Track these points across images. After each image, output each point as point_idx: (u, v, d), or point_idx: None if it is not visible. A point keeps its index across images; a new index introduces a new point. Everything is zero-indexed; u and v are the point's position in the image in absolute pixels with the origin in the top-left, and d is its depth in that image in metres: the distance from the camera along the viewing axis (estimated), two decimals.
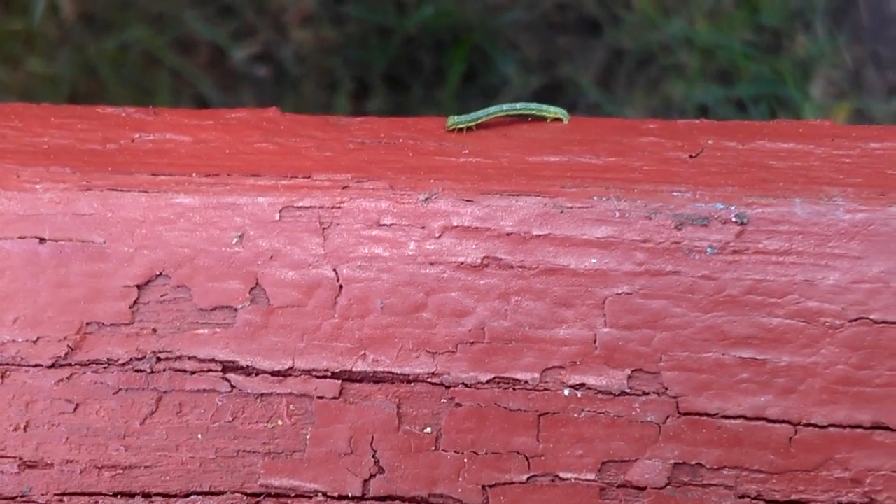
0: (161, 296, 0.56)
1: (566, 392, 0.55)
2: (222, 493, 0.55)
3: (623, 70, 1.86)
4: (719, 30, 1.87)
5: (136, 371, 0.55)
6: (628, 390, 0.54)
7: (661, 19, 1.87)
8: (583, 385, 0.55)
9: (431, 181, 0.57)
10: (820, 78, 1.87)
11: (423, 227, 0.56)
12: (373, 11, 1.84)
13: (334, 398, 0.55)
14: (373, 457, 0.55)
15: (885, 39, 1.89)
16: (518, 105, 0.64)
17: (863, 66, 1.89)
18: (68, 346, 0.55)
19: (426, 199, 0.56)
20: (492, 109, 0.64)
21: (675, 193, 0.56)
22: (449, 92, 1.82)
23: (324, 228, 0.56)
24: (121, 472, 0.55)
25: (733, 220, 0.54)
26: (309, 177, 0.57)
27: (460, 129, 0.63)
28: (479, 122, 0.63)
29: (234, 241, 0.56)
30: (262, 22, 1.85)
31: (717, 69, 1.87)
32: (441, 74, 1.84)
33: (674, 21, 1.87)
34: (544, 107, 0.65)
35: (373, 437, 0.55)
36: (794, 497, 0.54)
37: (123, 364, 0.55)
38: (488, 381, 0.55)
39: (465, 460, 0.55)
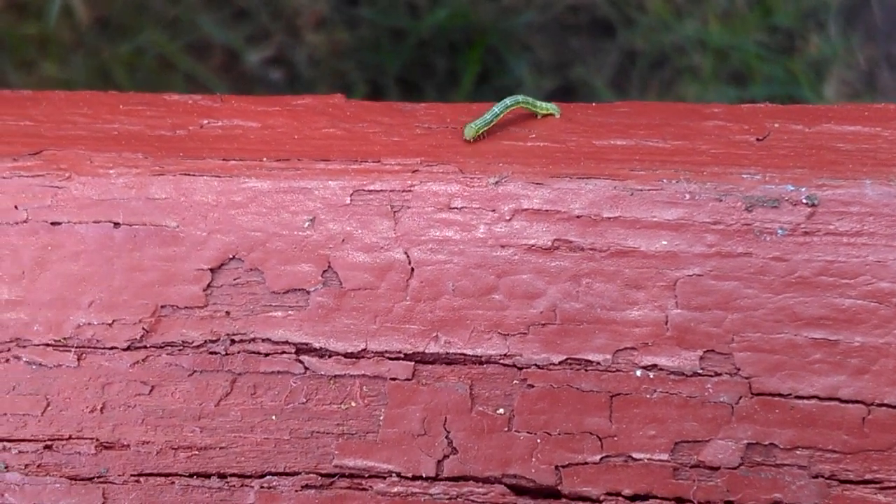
0: (234, 279, 0.56)
1: (638, 373, 0.55)
2: (297, 473, 0.56)
3: (636, 71, 1.86)
4: (732, 31, 1.87)
5: (211, 353, 0.56)
6: (700, 371, 0.55)
7: (674, 21, 1.87)
8: (655, 366, 0.55)
9: (500, 165, 0.58)
10: (833, 78, 1.87)
11: (493, 211, 0.56)
12: (386, 14, 1.84)
13: (407, 380, 0.56)
14: (446, 437, 0.55)
15: None
16: (519, 98, 0.63)
17: (876, 66, 1.89)
18: (143, 328, 0.56)
19: (496, 183, 0.57)
20: (498, 109, 0.62)
21: (745, 176, 0.56)
22: (462, 94, 1.82)
23: (395, 212, 0.56)
24: (196, 452, 0.56)
25: (804, 201, 0.55)
26: (378, 161, 0.58)
27: (481, 136, 0.61)
28: (492, 125, 0.61)
29: (306, 224, 0.56)
30: (275, 25, 1.86)
31: (731, 70, 1.87)
32: (454, 77, 1.84)
33: (687, 22, 1.87)
34: (539, 102, 0.64)
35: (446, 419, 0.55)
36: (867, 477, 0.54)
37: (198, 346, 0.56)
38: (560, 363, 0.55)
39: (538, 441, 0.55)
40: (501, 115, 0.62)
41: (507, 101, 0.62)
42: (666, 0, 1.88)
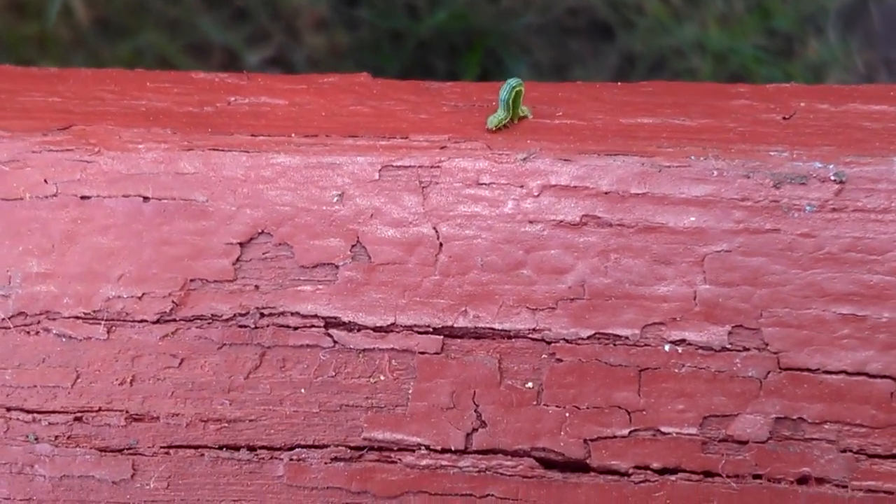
0: (263, 253, 0.56)
1: (667, 348, 0.55)
2: (326, 446, 0.56)
3: (635, 74, 1.86)
4: (731, 34, 1.87)
5: (240, 327, 0.56)
6: (729, 346, 0.55)
7: (673, 24, 1.87)
8: (683, 341, 0.55)
9: (528, 141, 0.58)
10: (832, 82, 1.87)
11: (521, 186, 0.56)
12: (385, 16, 1.85)
13: (436, 353, 0.56)
14: (475, 411, 0.56)
15: None
16: (513, 82, 0.61)
17: (875, 71, 1.89)
18: (173, 301, 0.56)
19: (524, 159, 0.57)
20: (504, 95, 0.60)
21: (773, 153, 0.56)
22: None
23: (423, 187, 0.57)
24: (226, 425, 0.56)
25: (832, 178, 0.55)
26: (406, 137, 0.58)
27: (505, 125, 0.60)
28: (512, 115, 0.60)
29: (335, 199, 0.57)
30: (275, 26, 1.86)
31: (730, 73, 1.87)
32: (454, 78, 1.84)
33: (686, 26, 1.87)
34: (522, 108, 0.62)
35: (475, 392, 0.56)
36: (895, 451, 0.54)
37: (227, 320, 0.56)
38: (589, 337, 0.55)
39: (567, 415, 0.55)
40: (511, 99, 0.60)
41: (512, 81, 0.61)
42: (665, 3, 1.89)
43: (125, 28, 1.84)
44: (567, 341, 0.55)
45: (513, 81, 0.60)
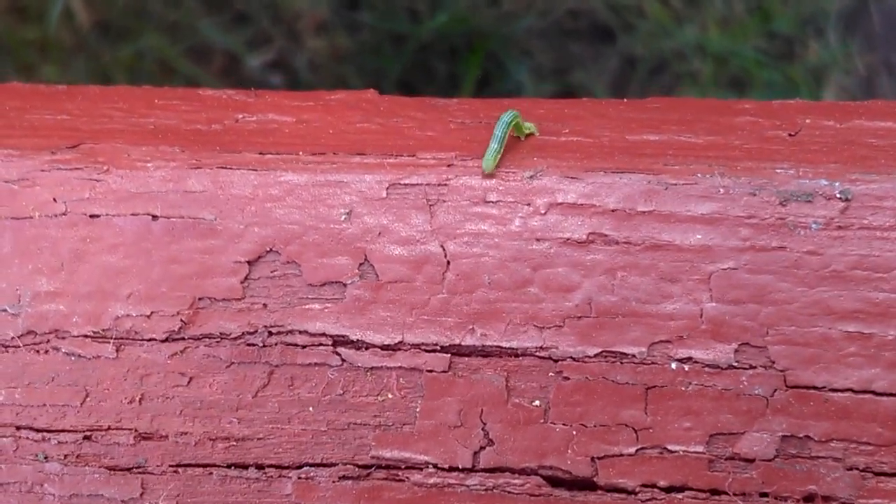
0: (271, 271, 0.57)
1: (673, 366, 0.55)
2: (334, 464, 0.56)
3: (636, 77, 1.86)
4: (732, 37, 1.88)
5: (249, 345, 0.56)
6: (735, 364, 0.55)
7: (673, 27, 1.87)
8: (690, 359, 0.55)
9: (535, 159, 0.58)
10: (832, 85, 1.87)
11: (528, 204, 0.57)
12: (386, 19, 1.85)
13: (443, 372, 0.56)
14: (482, 429, 0.56)
15: None
16: (515, 112, 0.59)
17: (875, 73, 1.89)
18: (181, 320, 0.56)
19: (531, 177, 0.57)
20: (500, 132, 0.58)
21: (779, 170, 0.56)
22: None
23: (430, 205, 0.57)
24: (234, 443, 0.56)
25: (837, 196, 0.55)
26: (414, 155, 0.58)
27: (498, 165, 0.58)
28: (503, 149, 0.58)
29: (343, 217, 0.57)
30: (276, 30, 1.86)
31: (730, 76, 1.87)
32: (455, 81, 1.84)
33: (686, 28, 1.87)
34: (526, 123, 0.61)
35: (482, 410, 0.56)
36: None
37: (235, 338, 0.56)
38: (596, 355, 0.56)
39: (574, 433, 0.55)
40: (506, 136, 0.58)
41: (505, 117, 0.59)
42: (665, 6, 1.89)
43: (126, 31, 1.85)
44: (574, 359, 0.56)
45: (506, 117, 0.59)
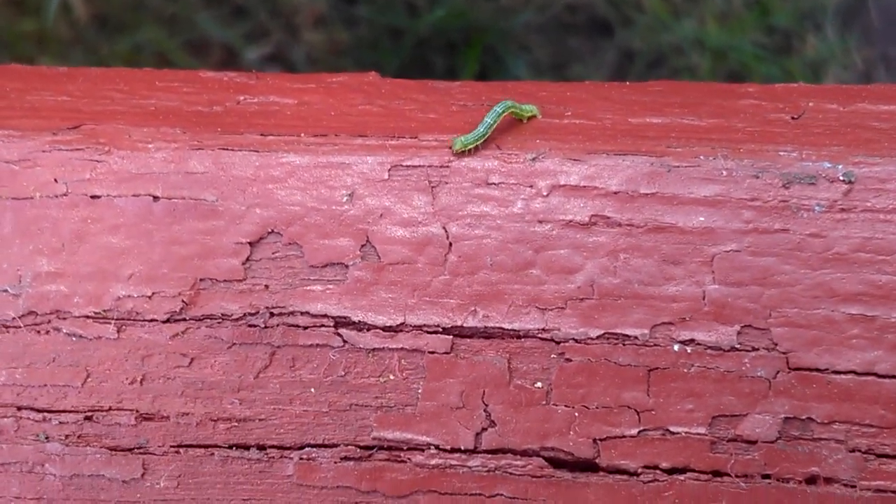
0: (273, 253, 0.57)
1: (676, 348, 0.55)
2: (336, 445, 0.56)
3: (634, 71, 1.86)
4: (730, 31, 1.87)
5: (250, 326, 0.56)
6: (738, 346, 0.55)
7: (671, 21, 1.87)
8: (692, 341, 0.55)
9: (537, 141, 0.58)
10: (830, 79, 1.87)
11: (530, 186, 0.56)
12: (384, 13, 1.84)
13: (445, 353, 0.56)
14: (484, 411, 0.56)
15: None
16: (508, 102, 0.59)
17: (873, 67, 1.89)
18: (183, 301, 0.56)
19: (534, 159, 0.57)
20: (489, 119, 0.58)
21: (782, 153, 0.56)
22: None
23: (432, 187, 0.57)
24: (236, 424, 0.56)
25: (841, 178, 0.55)
26: (416, 137, 0.58)
27: (469, 150, 0.57)
28: (486, 138, 0.57)
29: (344, 199, 0.57)
30: (274, 23, 1.86)
31: (728, 70, 1.87)
32: (453, 75, 1.84)
33: (685, 22, 1.87)
34: (524, 105, 0.60)
35: (484, 392, 0.56)
36: None
37: (237, 319, 0.56)
38: (598, 337, 0.55)
39: (576, 414, 0.55)
40: (495, 125, 0.58)
41: (498, 108, 0.59)
42: (664, 0, 1.88)
43: (124, 24, 1.84)
44: (576, 341, 0.56)
45: (499, 108, 0.58)
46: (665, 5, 1.87)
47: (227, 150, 0.57)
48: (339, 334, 0.56)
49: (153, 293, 0.56)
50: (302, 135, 0.59)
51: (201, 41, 1.84)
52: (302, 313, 0.56)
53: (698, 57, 1.85)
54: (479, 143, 0.57)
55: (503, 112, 0.59)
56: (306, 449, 0.56)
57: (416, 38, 1.83)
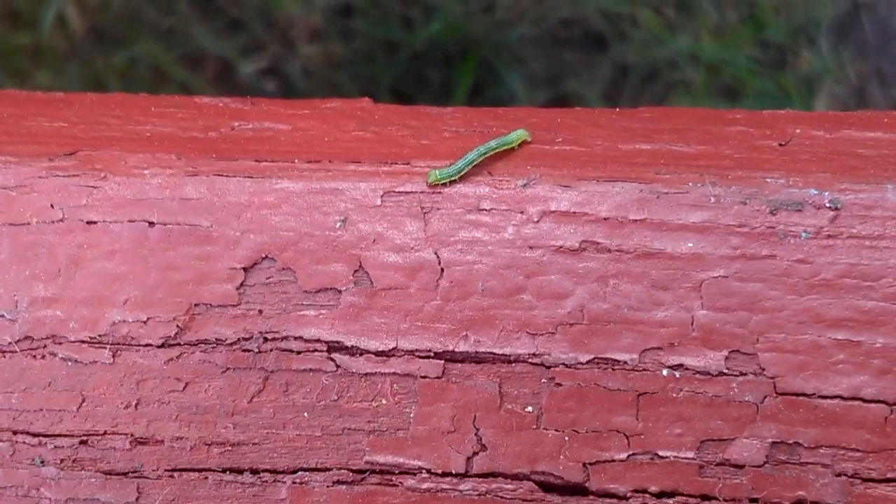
0: (267, 278, 0.57)
1: (665, 372, 0.56)
2: (328, 469, 0.57)
3: (629, 85, 1.87)
4: (724, 46, 1.88)
5: (244, 351, 0.57)
6: (726, 371, 0.56)
7: (666, 35, 1.88)
8: (681, 366, 0.56)
9: (528, 167, 0.59)
10: (824, 94, 1.88)
11: (521, 212, 0.57)
12: (380, 26, 1.85)
13: (437, 378, 0.57)
14: (475, 435, 0.56)
15: (889, 55, 1.90)
16: (493, 143, 0.60)
17: (867, 82, 1.90)
18: (177, 326, 0.57)
19: (525, 185, 0.58)
20: (471, 156, 0.58)
21: (769, 180, 0.57)
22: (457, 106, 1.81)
23: (424, 213, 0.57)
24: (229, 448, 0.57)
25: (827, 205, 0.56)
26: (408, 163, 0.59)
27: (444, 184, 0.58)
28: (462, 173, 0.58)
29: (338, 225, 0.57)
30: (269, 37, 1.87)
31: (722, 84, 1.88)
32: (448, 89, 1.85)
33: (679, 37, 1.88)
34: (510, 137, 0.61)
35: (475, 416, 0.56)
36: (889, 475, 0.55)
37: (231, 344, 0.57)
38: (588, 362, 0.56)
39: (566, 438, 0.56)
40: (477, 162, 0.59)
41: (481, 148, 0.59)
42: (658, 14, 1.90)
43: (120, 38, 1.85)
44: (566, 366, 0.56)
45: (482, 148, 0.59)
46: (660, 20, 1.89)
47: (222, 175, 0.58)
48: (331, 359, 0.57)
49: (148, 318, 0.57)
50: (296, 161, 0.59)
51: (197, 54, 1.85)
52: (295, 338, 0.57)
53: (693, 71, 1.86)
54: (454, 178, 0.58)
55: (486, 153, 0.59)
56: (299, 473, 0.57)
57: (412, 51, 1.84)
